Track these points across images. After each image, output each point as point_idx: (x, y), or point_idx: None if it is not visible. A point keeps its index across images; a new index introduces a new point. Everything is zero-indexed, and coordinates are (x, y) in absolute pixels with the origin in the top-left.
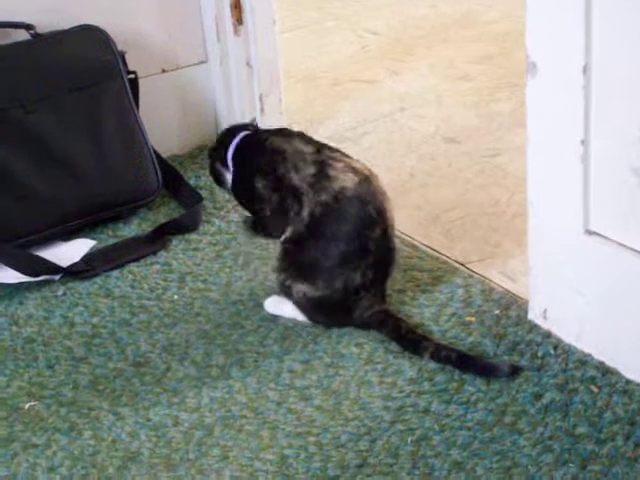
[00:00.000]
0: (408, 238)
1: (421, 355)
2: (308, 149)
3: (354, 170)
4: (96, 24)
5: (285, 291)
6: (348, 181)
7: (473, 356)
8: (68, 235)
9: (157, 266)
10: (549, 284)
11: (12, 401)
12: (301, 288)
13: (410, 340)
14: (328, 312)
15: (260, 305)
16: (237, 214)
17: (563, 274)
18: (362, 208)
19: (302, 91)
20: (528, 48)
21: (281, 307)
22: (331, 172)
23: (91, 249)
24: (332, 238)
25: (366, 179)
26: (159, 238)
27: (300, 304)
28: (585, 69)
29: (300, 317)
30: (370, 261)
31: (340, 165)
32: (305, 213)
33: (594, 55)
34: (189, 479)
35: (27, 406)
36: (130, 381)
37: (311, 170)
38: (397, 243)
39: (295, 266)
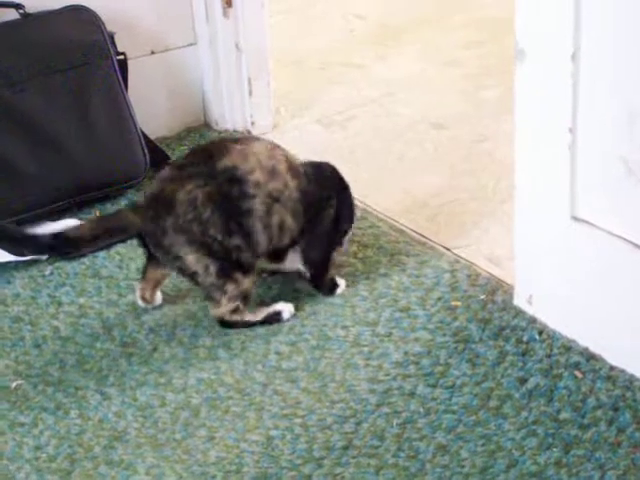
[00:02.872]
0: (395, 223)
1: None
2: None
3: None
4: (85, 4)
5: None
6: None
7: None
8: (56, 215)
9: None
10: (535, 270)
11: None
12: None
13: None
14: None
15: None
16: None
17: (549, 260)
18: None
19: (290, 75)
20: (517, 34)
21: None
22: None
23: None
24: None
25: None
26: None
27: None
28: (574, 56)
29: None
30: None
31: None
32: None
33: (583, 42)
34: (175, 459)
35: (14, 385)
36: (117, 361)
37: None
38: (384, 227)
39: None
